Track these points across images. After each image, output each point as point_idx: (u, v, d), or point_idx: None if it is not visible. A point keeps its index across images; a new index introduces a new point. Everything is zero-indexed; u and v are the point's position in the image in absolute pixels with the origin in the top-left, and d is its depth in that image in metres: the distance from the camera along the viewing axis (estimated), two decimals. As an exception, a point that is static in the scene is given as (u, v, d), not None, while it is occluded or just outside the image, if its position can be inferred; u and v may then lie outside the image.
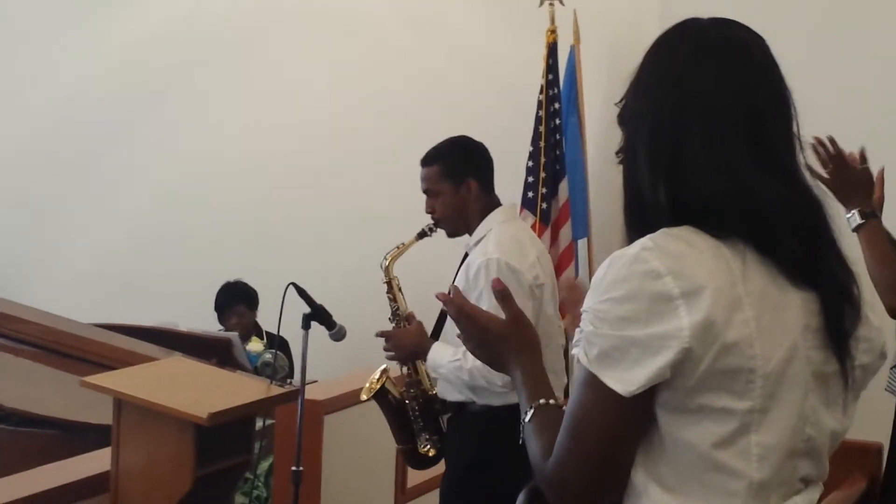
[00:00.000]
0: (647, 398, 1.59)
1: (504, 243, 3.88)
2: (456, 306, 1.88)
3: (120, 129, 7.73)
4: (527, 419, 1.74)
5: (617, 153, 1.78)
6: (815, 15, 5.74)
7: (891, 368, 3.57)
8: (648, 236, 1.62)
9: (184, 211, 7.54)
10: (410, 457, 4.14)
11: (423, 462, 4.13)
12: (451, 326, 4.02)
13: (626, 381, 1.57)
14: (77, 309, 6.64)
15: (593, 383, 1.59)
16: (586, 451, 1.60)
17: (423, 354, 3.96)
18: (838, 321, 1.68)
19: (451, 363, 3.84)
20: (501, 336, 1.84)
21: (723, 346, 1.57)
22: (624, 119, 1.76)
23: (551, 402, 1.73)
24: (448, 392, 3.98)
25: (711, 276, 1.58)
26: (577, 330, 1.64)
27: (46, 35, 7.93)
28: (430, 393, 4.06)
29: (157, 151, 7.64)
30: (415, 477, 5.01)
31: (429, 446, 4.05)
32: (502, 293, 1.87)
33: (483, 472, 3.87)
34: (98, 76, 7.74)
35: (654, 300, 1.56)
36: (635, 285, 1.57)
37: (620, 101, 1.78)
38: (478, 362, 3.66)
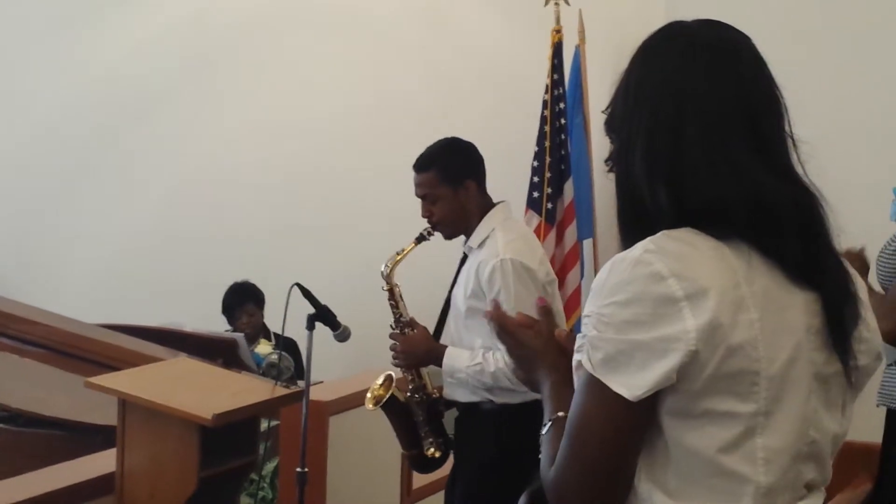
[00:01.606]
0: (651, 403, 1.57)
1: (513, 243, 3.91)
2: (498, 323, 1.88)
3: (127, 129, 7.73)
4: (544, 431, 1.73)
5: (606, 161, 1.75)
6: (814, 15, 5.74)
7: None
8: (649, 238, 1.59)
9: (189, 212, 7.54)
10: (417, 461, 4.14)
11: (429, 465, 4.13)
12: (449, 329, 4.03)
13: (632, 385, 1.54)
14: (84, 309, 6.65)
15: (597, 389, 1.57)
16: (588, 457, 1.58)
17: (434, 360, 3.97)
18: (840, 321, 1.66)
19: (470, 367, 3.85)
20: (538, 351, 1.85)
21: (728, 348, 1.55)
22: (613, 126, 1.74)
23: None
24: (459, 394, 3.98)
25: (715, 276, 1.56)
26: (579, 336, 1.63)
27: (57, 31, 7.93)
28: (433, 396, 4.06)
29: (165, 152, 7.65)
30: (420, 478, 5.01)
31: (433, 449, 4.06)
32: (545, 310, 1.89)
33: (501, 469, 3.89)
34: (109, 74, 7.74)
35: (658, 303, 1.54)
36: (639, 288, 1.55)
37: (606, 109, 1.75)
38: (500, 364, 3.71)
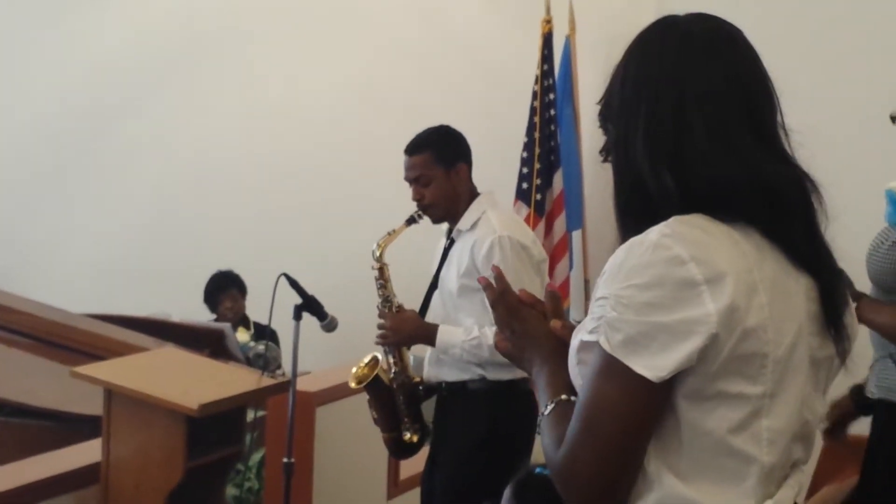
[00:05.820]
0: (669, 385, 1.59)
1: (508, 222, 4.01)
2: (497, 292, 1.86)
3: (118, 120, 7.72)
4: (546, 412, 1.73)
5: (601, 151, 1.77)
6: (805, 13, 5.74)
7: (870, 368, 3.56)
8: (663, 223, 1.61)
9: (178, 204, 7.54)
10: (394, 445, 4.15)
11: (407, 450, 4.15)
12: (433, 312, 4.05)
13: (655, 366, 1.56)
14: (73, 299, 6.65)
15: (616, 370, 1.58)
16: (603, 437, 1.59)
17: (425, 338, 3.98)
18: (836, 307, 1.72)
19: (466, 342, 3.88)
20: (540, 332, 1.83)
21: (743, 331, 1.58)
22: (609, 117, 1.75)
23: (573, 398, 1.71)
24: (447, 373, 4.00)
25: (730, 261, 1.59)
26: (594, 318, 1.63)
27: (46, 24, 7.91)
28: (414, 381, 4.08)
29: (155, 143, 7.64)
30: (407, 469, 5.00)
31: (410, 433, 4.07)
32: (554, 295, 1.89)
33: (488, 448, 3.92)
34: (99, 67, 7.73)
35: (678, 286, 1.56)
36: (659, 271, 1.57)
37: (601, 101, 1.77)
38: None
